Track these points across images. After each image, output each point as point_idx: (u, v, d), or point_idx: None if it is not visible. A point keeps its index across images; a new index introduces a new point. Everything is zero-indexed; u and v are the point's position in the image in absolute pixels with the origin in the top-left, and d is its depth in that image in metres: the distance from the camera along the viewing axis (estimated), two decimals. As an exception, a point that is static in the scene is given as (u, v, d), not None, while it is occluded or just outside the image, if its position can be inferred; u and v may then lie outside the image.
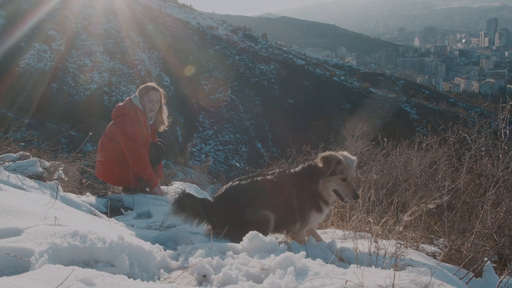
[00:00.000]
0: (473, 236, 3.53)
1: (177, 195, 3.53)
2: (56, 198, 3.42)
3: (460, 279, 3.04)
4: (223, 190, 3.70)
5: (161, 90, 5.54)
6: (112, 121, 5.41)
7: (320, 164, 3.51)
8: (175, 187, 5.91)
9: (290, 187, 3.59)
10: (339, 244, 3.60)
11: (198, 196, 3.98)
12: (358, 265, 2.68)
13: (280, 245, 3.12)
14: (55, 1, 78.30)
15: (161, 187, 5.79)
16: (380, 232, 3.47)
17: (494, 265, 3.81)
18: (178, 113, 65.14)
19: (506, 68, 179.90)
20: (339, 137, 7.04)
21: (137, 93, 5.44)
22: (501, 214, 3.82)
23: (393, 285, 2.04)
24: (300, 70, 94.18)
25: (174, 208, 3.48)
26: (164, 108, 5.65)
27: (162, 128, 5.74)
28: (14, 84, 56.21)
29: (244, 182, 3.67)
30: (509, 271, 3.26)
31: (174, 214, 3.49)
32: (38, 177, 4.07)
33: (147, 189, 5.55)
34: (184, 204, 3.52)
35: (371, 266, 2.74)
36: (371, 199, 4.15)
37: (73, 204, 3.87)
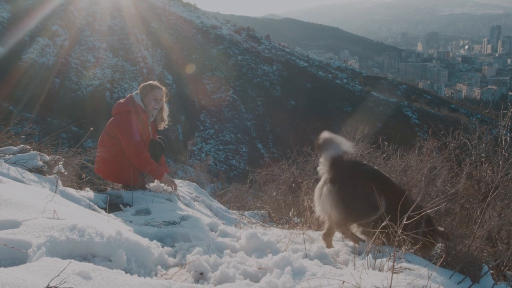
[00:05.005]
0: (471, 241, 3.52)
1: None
2: (55, 192, 3.42)
3: (457, 283, 3.04)
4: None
5: (163, 88, 5.54)
6: (112, 118, 5.39)
7: None
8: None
9: None
10: (336, 246, 3.60)
11: None
12: (355, 267, 2.68)
13: (278, 244, 3.12)
14: (61, -4, 78.44)
15: (161, 184, 5.77)
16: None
17: (491, 271, 3.81)
18: (180, 112, 65.26)
19: (508, 75, 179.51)
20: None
21: (138, 91, 5.40)
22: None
23: (390, 287, 2.04)
24: (302, 72, 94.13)
25: None
26: (165, 106, 5.65)
27: (162, 126, 5.74)
28: (16, 78, 56.19)
29: None
30: (505, 277, 3.26)
31: None
32: (38, 171, 4.07)
33: (148, 185, 5.55)
34: None
35: (368, 268, 2.74)
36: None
37: (72, 199, 3.87)
